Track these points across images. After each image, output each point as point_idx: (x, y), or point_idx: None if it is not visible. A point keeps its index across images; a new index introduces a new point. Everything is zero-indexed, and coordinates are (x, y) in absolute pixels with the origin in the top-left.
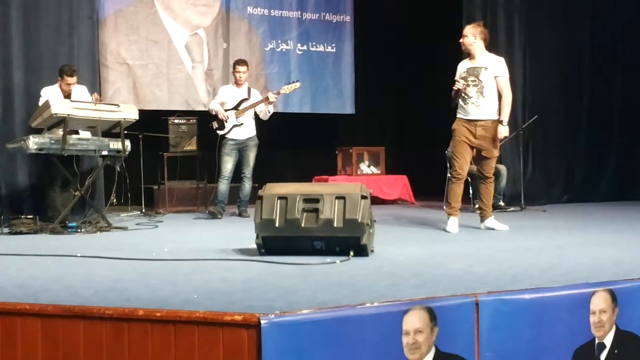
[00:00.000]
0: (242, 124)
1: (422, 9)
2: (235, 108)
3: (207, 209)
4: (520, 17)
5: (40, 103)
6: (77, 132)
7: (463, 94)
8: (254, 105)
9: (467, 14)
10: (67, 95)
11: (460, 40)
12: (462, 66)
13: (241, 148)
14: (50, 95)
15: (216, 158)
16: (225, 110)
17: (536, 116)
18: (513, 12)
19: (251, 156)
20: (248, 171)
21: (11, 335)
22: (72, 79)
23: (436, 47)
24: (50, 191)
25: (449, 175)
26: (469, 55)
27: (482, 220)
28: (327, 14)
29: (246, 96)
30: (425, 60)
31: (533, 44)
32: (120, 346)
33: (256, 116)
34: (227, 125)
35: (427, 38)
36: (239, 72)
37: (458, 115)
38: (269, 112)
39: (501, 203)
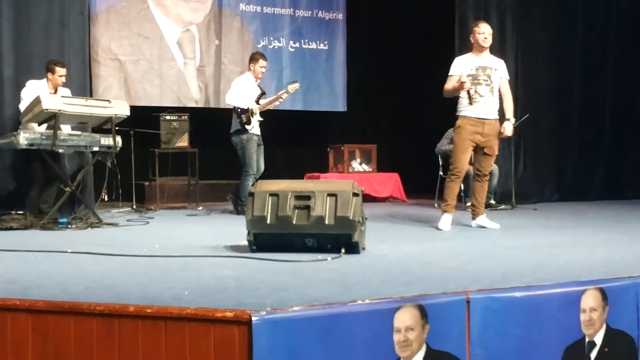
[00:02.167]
0: (262, 119)
1: (414, 7)
2: (257, 102)
3: (237, 208)
4: (512, 16)
5: (23, 93)
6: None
7: (473, 92)
8: (272, 102)
9: (459, 13)
10: (54, 93)
11: (487, 38)
12: (468, 62)
13: (259, 144)
14: (36, 89)
15: (245, 153)
16: None
17: (528, 115)
18: (505, 11)
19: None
20: (263, 168)
21: (1, 330)
22: (63, 70)
23: (428, 45)
24: (31, 187)
25: (441, 173)
26: (469, 50)
27: (473, 218)
28: (320, 12)
29: (261, 90)
30: (417, 59)
31: (525, 44)
32: (111, 342)
33: None
34: (253, 121)
35: (419, 36)
36: (263, 66)
37: (463, 113)
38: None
39: (492, 201)
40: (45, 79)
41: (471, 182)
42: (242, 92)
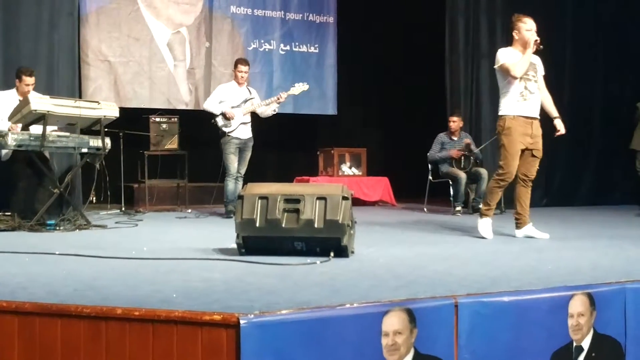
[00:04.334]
0: (248, 122)
1: (405, 11)
2: (240, 106)
3: (226, 210)
4: (502, 21)
5: None
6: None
7: (524, 88)
8: (267, 103)
9: (450, 17)
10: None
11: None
12: (517, 56)
13: (242, 148)
14: (5, 100)
15: (223, 156)
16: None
17: None
18: (495, 16)
19: (248, 157)
20: (243, 171)
21: None
22: (31, 79)
23: (419, 49)
24: (16, 189)
25: (431, 177)
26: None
27: (518, 227)
28: (311, 15)
29: (250, 95)
30: (408, 62)
31: None
32: (98, 345)
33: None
34: (234, 123)
35: (409, 40)
36: (241, 71)
37: (513, 112)
38: (275, 111)
39: (481, 206)
40: (14, 89)
41: (460, 186)
42: (221, 98)
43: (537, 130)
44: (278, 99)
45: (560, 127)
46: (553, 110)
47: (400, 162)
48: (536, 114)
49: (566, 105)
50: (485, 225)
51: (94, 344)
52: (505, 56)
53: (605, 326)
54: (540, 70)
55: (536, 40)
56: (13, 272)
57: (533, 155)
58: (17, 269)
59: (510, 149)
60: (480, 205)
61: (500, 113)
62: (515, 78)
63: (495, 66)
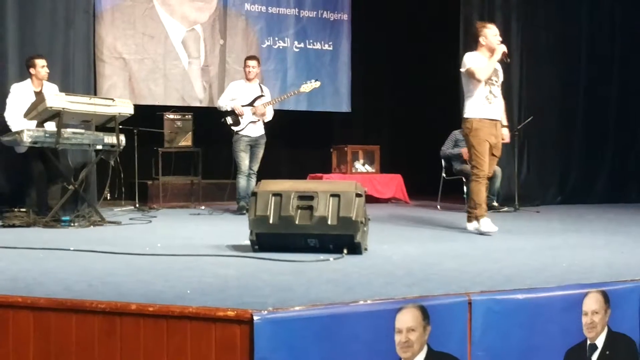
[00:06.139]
0: (257, 120)
1: (419, 8)
2: (251, 104)
3: (238, 206)
4: (517, 18)
5: (9, 100)
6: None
7: (489, 92)
8: (276, 101)
9: (464, 14)
10: (39, 92)
11: (500, 39)
12: (483, 60)
13: (253, 145)
14: (21, 93)
15: (233, 154)
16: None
17: (531, 117)
18: (510, 13)
19: (260, 154)
20: (255, 168)
21: (3, 328)
22: (43, 61)
23: (432, 46)
24: (31, 185)
25: (444, 175)
26: (476, 48)
27: (469, 221)
28: (325, 12)
29: (260, 93)
30: (422, 60)
31: (530, 46)
32: (113, 340)
33: None
34: (243, 122)
35: (424, 37)
36: (248, 66)
37: (478, 115)
38: (271, 115)
39: (495, 203)
40: (28, 79)
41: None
42: (232, 96)
43: (499, 131)
44: (288, 95)
45: (504, 136)
46: (503, 119)
47: (414, 159)
48: (499, 116)
49: (581, 102)
50: (485, 224)
51: (108, 340)
52: (471, 61)
53: (619, 324)
54: (501, 76)
55: (504, 52)
56: (28, 268)
57: (492, 155)
58: (32, 265)
59: (480, 148)
60: (475, 211)
61: (465, 115)
62: (480, 81)
63: (462, 70)
